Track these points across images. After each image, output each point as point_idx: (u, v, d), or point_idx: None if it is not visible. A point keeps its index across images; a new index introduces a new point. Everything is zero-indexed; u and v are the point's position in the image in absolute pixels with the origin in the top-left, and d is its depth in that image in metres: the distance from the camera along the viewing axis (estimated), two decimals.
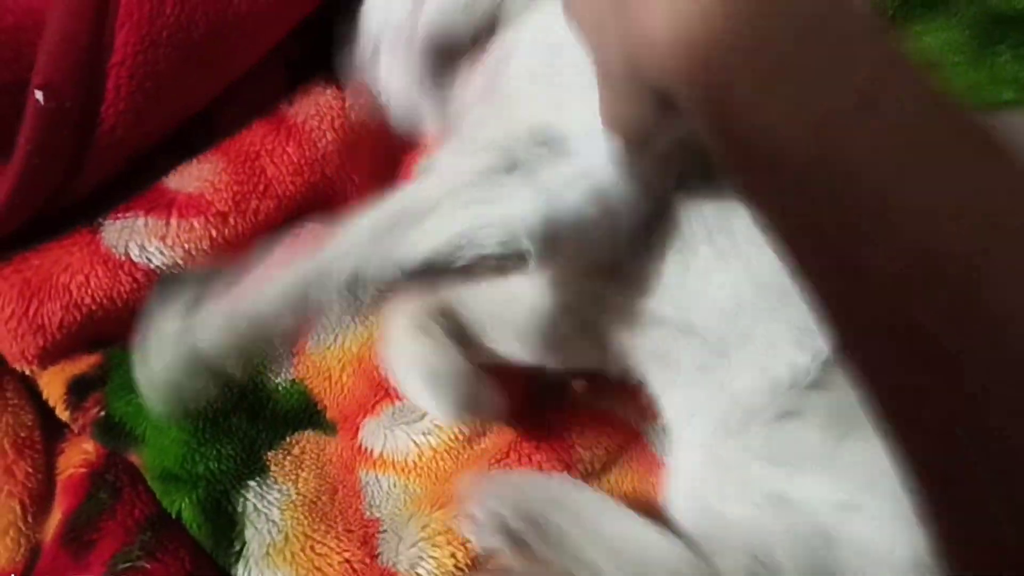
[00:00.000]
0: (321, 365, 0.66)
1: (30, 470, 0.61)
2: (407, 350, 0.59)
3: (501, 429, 0.64)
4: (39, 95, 0.57)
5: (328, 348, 0.66)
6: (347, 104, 0.71)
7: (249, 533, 0.57)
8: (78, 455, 0.62)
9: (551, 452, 0.63)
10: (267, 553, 0.57)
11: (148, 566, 0.54)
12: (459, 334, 0.59)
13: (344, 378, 0.65)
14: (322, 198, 0.70)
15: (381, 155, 0.74)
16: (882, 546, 0.46)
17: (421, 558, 0.57)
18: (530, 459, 0.62)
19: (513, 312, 0.58)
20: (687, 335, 0.53)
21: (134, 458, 0.61)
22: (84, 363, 0.64)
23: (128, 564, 0.54)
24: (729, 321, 0.52)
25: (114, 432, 0.61)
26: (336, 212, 0.68)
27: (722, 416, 0.53)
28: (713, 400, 0.54)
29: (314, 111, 0.69)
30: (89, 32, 0.56)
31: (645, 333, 0.55)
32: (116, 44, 0.57)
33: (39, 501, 0.60)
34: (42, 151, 0.58)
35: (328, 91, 0.71)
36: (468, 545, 0.57)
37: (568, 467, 0.63)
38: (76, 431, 0.64)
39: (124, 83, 0.59)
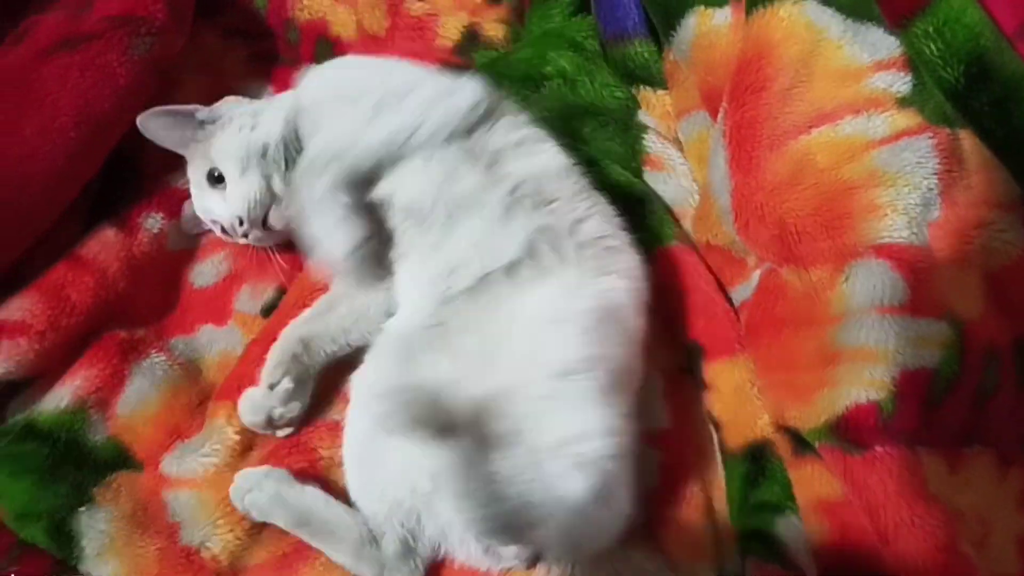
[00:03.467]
0: (129, 424, 0.93)
1: None
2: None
3: (264, 443, 0.93)
4: None
5: (133, 411, 0.93)
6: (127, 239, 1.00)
7: (85, 541, 0.83)
8: None
9: (300, 456, 0.92)
10: (99, 553, 0.83)
11: (17, 568, 0.79)
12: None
13: (147, 430, 0.93)
14: (116, 309, 0.99)
15: (160, 272, 1.03)
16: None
17: (210, 537, 0.85)
18: (284, 462, 0.91)
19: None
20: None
21: None
22: None
23: (3, 571, 0.79)
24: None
25: None
26: (128, 319, 0.98)
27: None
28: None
29: (99, 247, 0.98)
30: None
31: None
32: None
33: None
34: None
35: (110, 231, 1.00)
36: (242, 523, 0.86)
37: (312, 464, 0.92)
38: None
39: None
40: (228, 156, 0.96)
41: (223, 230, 1.00)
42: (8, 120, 0.90)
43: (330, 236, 0.85)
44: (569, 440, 0.74)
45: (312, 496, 0.85)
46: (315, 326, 0.94)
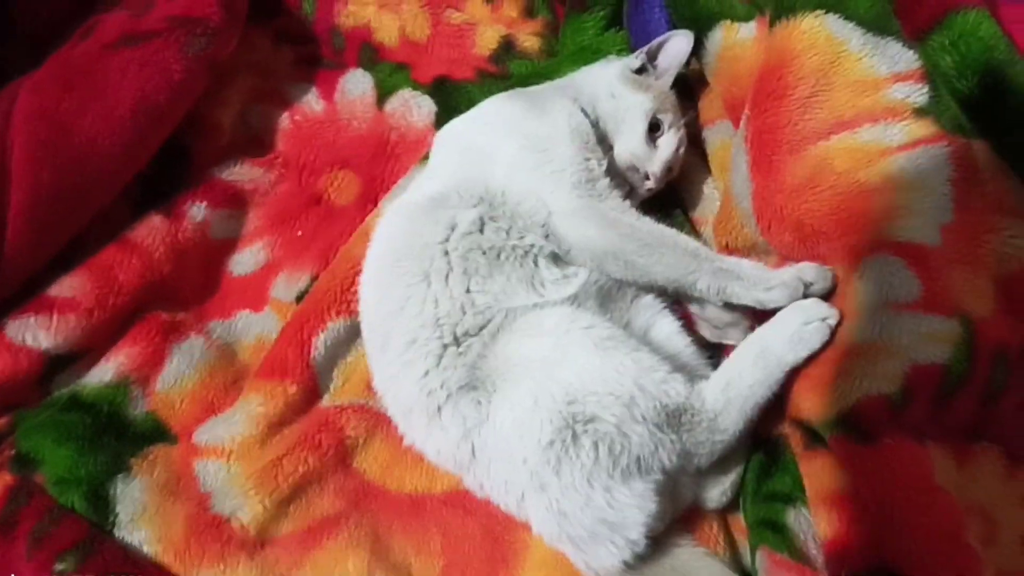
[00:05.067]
0: (167, 400, 0.97)
1: None
2: None
3: (295, 420, 0.96)
4: None
5: (171, 388, 0.98)
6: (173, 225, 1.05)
7: (120, 508, 0.87)
8: None
9: (328, 437, 0.95)
10: (132, 519, 0.87)
11: (55, 529, 0.83)
12: None
13: (183, 407, 0.97)
14: (160, 292, 1.04)
15: (202, 259, 1.08)
16: None
17: (241, 507, 0.89)
18: (314, 439, 0.94)
19: None
20: None
21: (38, 478, 0.89)
22: None
23: (42, 532, 0.83)
24: None
25: (22, 462, 0.90)
26: (170, 301, 1.03)
27: None
28: None
29: (147, 232, 1.04)
30: None
31: None
32: (11, 202, 0.90)
33: None
34: None
35: (157, 218, 1.05)
36: (273, 494, 0.89)
37: (340, 442, 0.95)
38: None
39: (18, 229, 0.93)
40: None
41: None
42: (73, 108, 0.96)
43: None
44: None
45: None
46: None
